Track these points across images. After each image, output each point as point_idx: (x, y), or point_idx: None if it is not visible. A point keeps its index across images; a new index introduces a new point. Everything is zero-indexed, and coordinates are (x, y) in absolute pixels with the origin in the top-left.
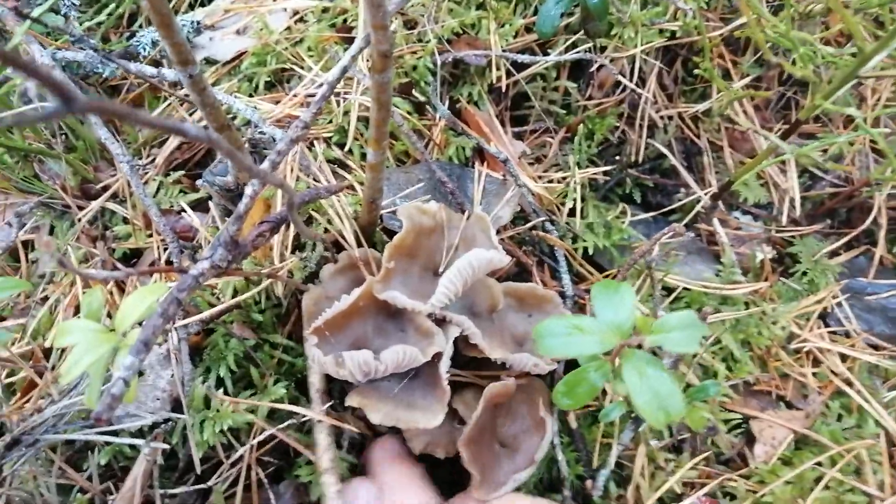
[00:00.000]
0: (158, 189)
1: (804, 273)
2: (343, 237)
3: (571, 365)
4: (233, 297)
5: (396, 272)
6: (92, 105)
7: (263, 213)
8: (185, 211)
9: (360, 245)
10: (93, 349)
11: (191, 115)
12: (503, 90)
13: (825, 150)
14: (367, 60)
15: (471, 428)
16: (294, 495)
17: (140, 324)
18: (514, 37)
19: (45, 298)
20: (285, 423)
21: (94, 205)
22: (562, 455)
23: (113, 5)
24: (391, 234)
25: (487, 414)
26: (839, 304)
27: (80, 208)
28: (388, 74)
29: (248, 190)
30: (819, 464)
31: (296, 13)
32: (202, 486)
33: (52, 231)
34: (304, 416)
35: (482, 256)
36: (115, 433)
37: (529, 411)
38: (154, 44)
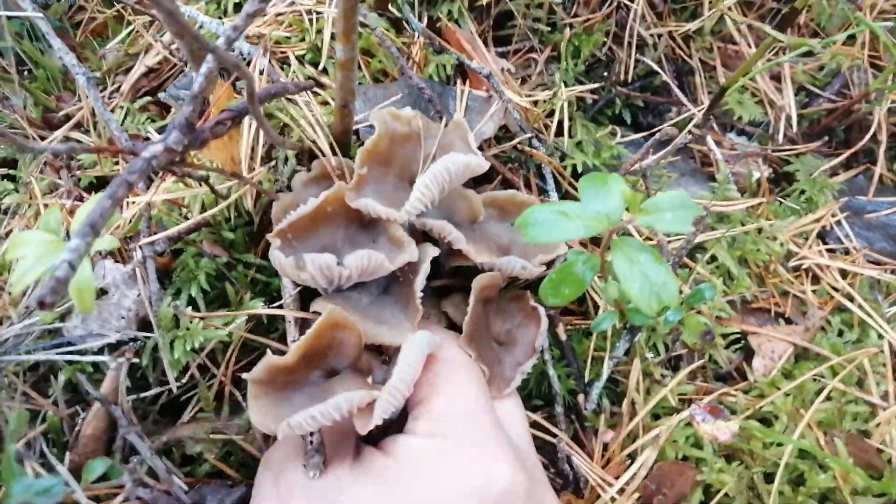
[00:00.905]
0: (126, 117)
1: (802, 192)
2: (317, 146)
3: None
4: (201, 212)
5: (370, 179)
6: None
7: (221, 97)
8: (150, 137)
9: (332, 147)
10: (44, 258)
11: (158, 38)
12: (485, 7)
13: (821, 69)
14: None
15: (468, 323)
16: None
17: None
18: None
19: (10, 233)
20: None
21: (58, 134)
22: (552, 370)
23: None
24: None
25: (480, 307)
26: (838, 223)
27: (43, 139)
28: None
29: (203, 68)
30: (820, 375)
31: None
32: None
33: (14, 164)
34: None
35: (459, 160)
36: (79, 353)
37: (520, 307)
38: None
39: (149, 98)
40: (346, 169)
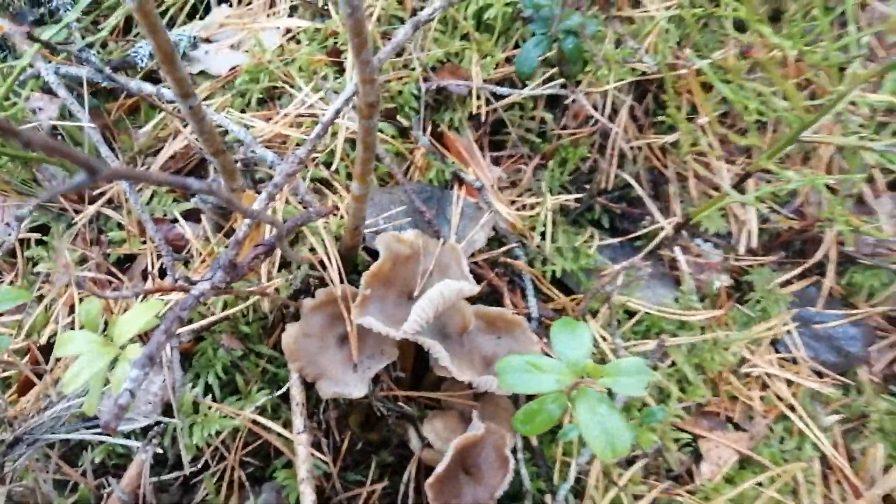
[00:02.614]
0: (152, 197)
1: (758, 301)
2: (324, 265)
3: None
4: (223, 310)
5: (373, 298)
6: (115, 173)
7: (255, 234)
8: (177, 221)
9: (339, 273)
10: (93, 361)
11: (185, 126)
12: (483, 117)
13: (779, 191)
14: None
15: (438, 474)
16: (275, 497)
17: (139, 337)
18: (495, 68)
19: (41, 297)
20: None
21: (91, 209)
22: (524, 469)
23: (113, 19)
24: (373, 253)
25: (455, 459)
26: (788, 332)
27: (77, 212)
28: (374, 121)
29: (244, 225)
30: (760, 483)
31: (288, 31)
32: (190, 480)
33: (47, 231)
34: (283, 416)
35: (453, 287)
36: (109, 434)
37: (495, 445)
38: (151, 56)
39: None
40: (351, 296)
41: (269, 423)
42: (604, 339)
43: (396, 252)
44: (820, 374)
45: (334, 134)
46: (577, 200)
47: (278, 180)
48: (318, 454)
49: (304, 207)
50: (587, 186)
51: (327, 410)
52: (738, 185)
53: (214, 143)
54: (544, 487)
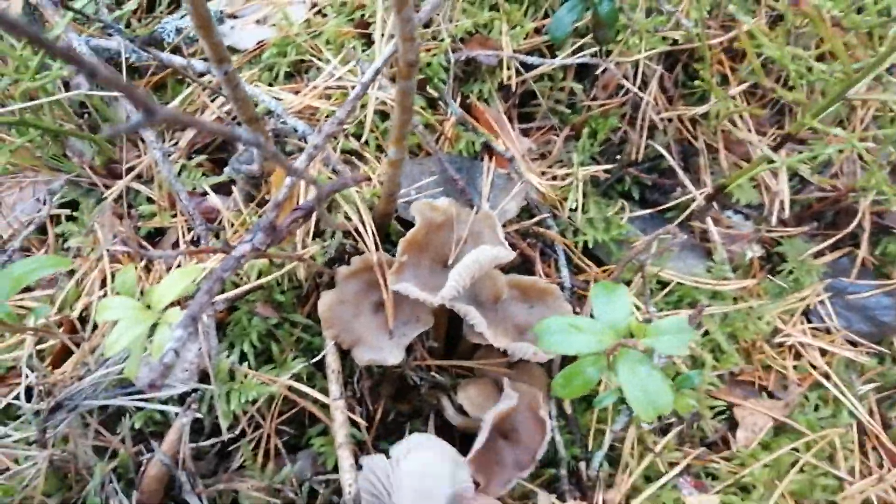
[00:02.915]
0: (181, 171)
1: (790, 272)
2: (359, 233)
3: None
4: (257, 278)
5: (408, 265)
6: (168, 116)
7: (289, 201)
8: (207, 193)
9: (374, 240)
10: (133, 326)
11: (213, 100)
12: (512, 88)
13: (815, 157)
14: (391, 66)
15: (477, 450)
16: (311, 464)
17: (177, 302)
18: (525, 38)
19: (72, 272)
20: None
21: (121, 184)
22: (559, 436)
23: None
24: (405, 223)
25: (492, 431)
26: (822, 303)
27: (107, 187)
28: (412, 82)
29: (287, 182)
30: (795, 449)
31: (314, 5)
32: (226, 447)
33: (77, 206)
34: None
35: (488, 253)
36: (147, 400)
37: (531, 406)
38: (178, 31)
39: (204, 156)
40: (385, 262)
41: (306, 389)
42: (637, 308)
43: (430, 219)
44: (854, 344)
45: (364, 105)
46: (607, 171)
47: (318, 141)
48: (355, 419)
49: (336, 177)
50: (618, 158)
51: (361, 380)
52: (775, 151)
53: (248, 110)
54: (579, 454)
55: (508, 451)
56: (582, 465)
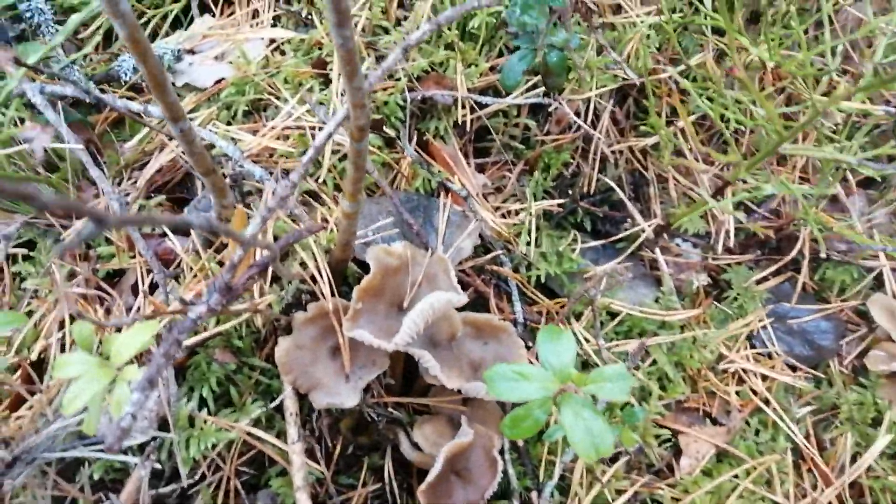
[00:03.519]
0: (140, 210)
1: (735, 298)
2: (314, 279)
3: None
4: (216, 325)
5: (364, 311)
6: (122, 220)
7: (248, 256)
8: (166, 235)
9: (330, 286)
10: (91, 383)
11: (171, 139)
12: (467, 125)
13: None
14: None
15: (430, 482)
16: (269, 501)
17: (135, 358)
18: (480, 77)
19: (30, 313)
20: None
21: (78, 224)
22: (511, 469)
23: (94, 35)
24: (363, 265)
25: (446, 465)
26: (764, 328)
27: (64, 228)
28: (364, 143)
29: (239, 250)
30: (736, 475)
31: (272, 41)
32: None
33: (34, 247)
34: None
35: (442, 298)
36: (106, 450)
37: (485, 446)
38: (135, 70)
39: (162, 197)
40: (342, 309)
41: (264, 435)
42: (587, 340)
43: (386, 264)
44: (794, 368)
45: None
46: (560, 205)
47: (272, 204)
48: (311, 463)
49: (294, 222)
50: (570, 191)
51: (320, 418)
52: (717, 193)
53: (205, 163)
54: (531, 485)
55: (460, 489)
56: (533, 495)
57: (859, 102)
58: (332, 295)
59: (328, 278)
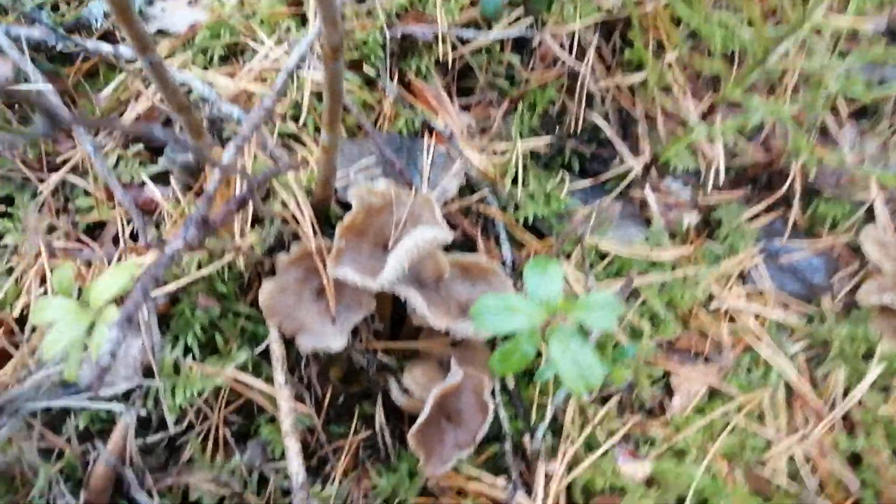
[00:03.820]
0: (118, 162)
1: (726, 236)
2: (297, 219)
3: None
4: (197, 269)
5: (347, 250)
6: (77, 121)
7: (225, 190)
8: (146, 184)
9: (313, 226)
10: (70, 327)
11: (147, 87)
12: (450, 63)
13: (742, 126)
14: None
15: (420, 424)
16: (260, 453)
17: (115, 301)
18: (461, 11)
19: (11, 269)
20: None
21: (55, 178)
22: (503, 412)
23: None
24: (346, 205)
25: (435, 408)
26: (756, 266)
27: (41, 181)
28: (339, 65)
29: (215, 177)
30: (727, 412)
31: None
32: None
33: (12, 202)
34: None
35: (427, 235)
36: (91, 399)
37: (475, 388)
38: (106, 15)
39: (140, 146)
40: (325, 248)
41: (251, 380)
42: (576, 280)
43: (369, 204)
44: (786, 306)
45: (300, 87)
46: (547, 145)
47: (245, 132)
48: (301, 407)
49: (274, 162)
50: (556, 130)
51: (308, 366)
52: (706, 119)
53: (178, 99)
54: (522, 427)
55: (450, 432)
56: (526, 438)
57: (850, 17)
58: (315, 235)
59: (310, 218)
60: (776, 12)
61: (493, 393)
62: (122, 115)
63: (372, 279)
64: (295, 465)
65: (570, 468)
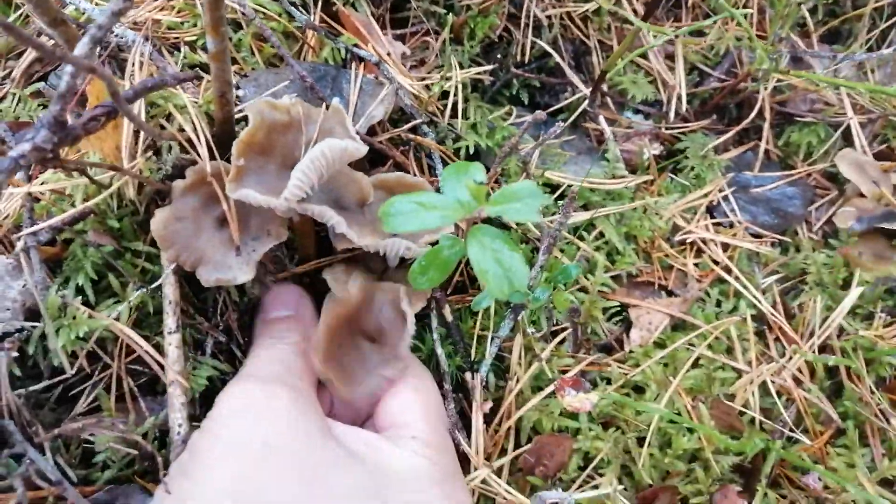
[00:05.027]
0: (17, 103)
1: (692, 168)
2: (192, 144)
3: None
4: (83, 202)
5: (249, 170)
6: None
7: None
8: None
9: (210, 151)
10: None
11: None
12: None
13: (712, 48)
14: None
15: (319, 341)
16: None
17: None
18: None
19: None
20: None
21: None
22: (440, 349)
23: None
24: None
25: (334, 328)
26: (725, 198)
27: None
28: None
29: (69, 70)
30: (691, 344)
31: None
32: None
33: None
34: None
35: (336, 146)
36: None
37: (392, 302)
38: None
39: (42, 84)
40: (224, 172)
41: (128, 331)
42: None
43: (271, 119)
44: (758, 237)
45: None
46: (491, 74)
47: (102, 21)
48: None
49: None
50: (500, 59)
51: (226, 312)
52: (648, 17)
53: (50, 11)
54: (464, 365)
55: (374, 354)
56: (468, 376)
57: None
58: (212, 158)
59: (206, 139)
60: None
61: (429, 327)
62: (21, 54)
63: (276, 198)
64: (178, 416)
65: (516, 409)
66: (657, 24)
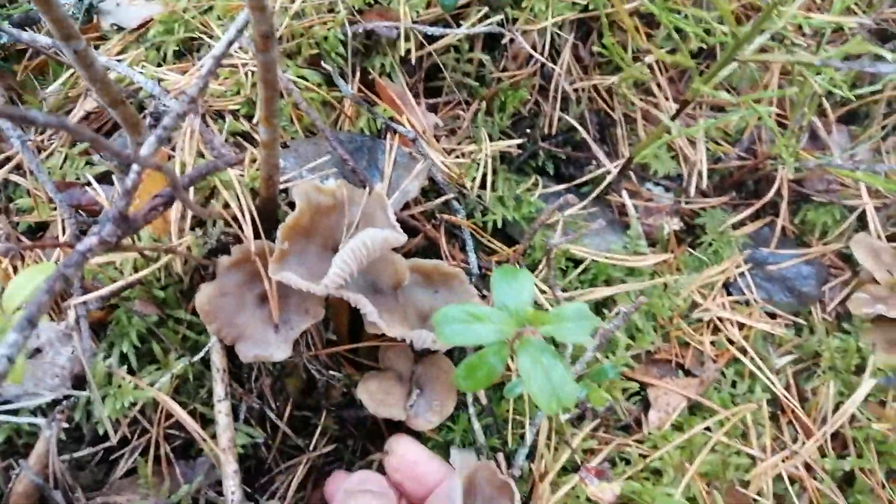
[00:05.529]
0: (64, 161)
1: (710, 244)
2: (238, 222)
3: None
4: (133, 273)
5: (292, 253)
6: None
7: (151, 185)
8: (90, 184)
9: (255, 229)
10: None
11: None
12: (416, 61)
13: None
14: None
15: None
16: (206, 472)
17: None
18: (426, 7)
19: None
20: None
21: None
22: (477, 424)
23: None
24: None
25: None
26: (742, 275)
27: None
28: (272, 55)
29: (132, 172)
30: (708, 428)
31: None
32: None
33: None
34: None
35: (376, 236)
36: (14, 412)
37: (489, 480)
38: None
39: (87, 144)
40: (269, 251)
41: (172, 403)
42: (543, 291)
43: (317, 203)
44: (773, 316)
45: (255, 84)
46: (519, 147)
47: (168, 122)
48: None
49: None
50: (529, 132)
51: (260, 378)
52: (677, 116)
53: (110, 92)
54: (497, 445)
55: None
56: (500, 456)
57: (833, 16)
58: (257, 237)
59: (252, 218)
60: (755, 8)
61: (465, 405)
62: (69, 113)
63: (315, 283)
64: (231, 483)
65: (545, 494)
66: (681, 100)
